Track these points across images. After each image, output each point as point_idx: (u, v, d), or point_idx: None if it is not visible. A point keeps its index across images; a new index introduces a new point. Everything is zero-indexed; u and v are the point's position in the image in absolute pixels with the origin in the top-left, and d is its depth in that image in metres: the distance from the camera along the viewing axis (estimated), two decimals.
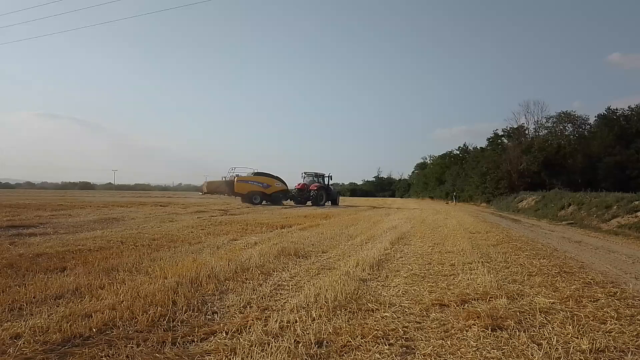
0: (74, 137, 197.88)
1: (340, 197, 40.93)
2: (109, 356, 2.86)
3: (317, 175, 34.81)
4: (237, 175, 31.02)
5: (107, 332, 3.32)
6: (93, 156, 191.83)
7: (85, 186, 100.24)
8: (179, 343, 3.15)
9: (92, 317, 3.58)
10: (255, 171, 32.06)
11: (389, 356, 2.96)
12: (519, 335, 3.41)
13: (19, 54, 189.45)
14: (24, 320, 3.49)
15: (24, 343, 3.00)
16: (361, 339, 3.27)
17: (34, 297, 4.20)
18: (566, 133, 46.94)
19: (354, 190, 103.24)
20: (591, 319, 3.92)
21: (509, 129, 51.13)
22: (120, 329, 3.38)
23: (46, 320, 3.48)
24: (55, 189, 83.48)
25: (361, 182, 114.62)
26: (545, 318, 3.91)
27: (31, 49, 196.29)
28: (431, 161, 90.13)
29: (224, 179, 31.65)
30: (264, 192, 31.06)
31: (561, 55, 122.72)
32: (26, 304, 3.98)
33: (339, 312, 3.95)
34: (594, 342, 3.26)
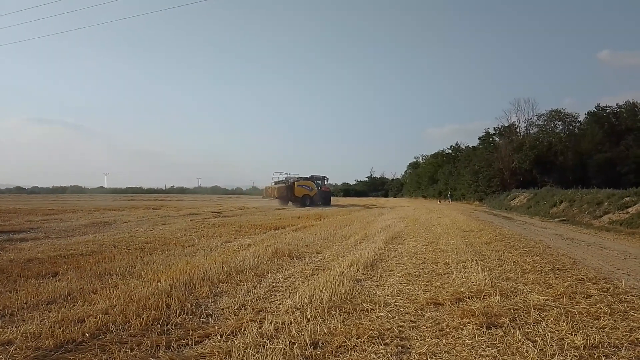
0: (64, 141, 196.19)
1: (334, 198, 42.84)
2: None
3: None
4: (297, 180, 34.15)
5: (101, 336, 3.29)
6: (84, 160, 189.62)
7: (77, 190, 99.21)
8: (173, 346, 3.13)
9: (84, 322, 3.55)
10: (300, 175, 35.28)
11: (384, 356, 2.96)
12: (513, 332, 3.43)
13: (8, 59, 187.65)
14: (15, 326, 3.46)
15: (15, 349, 2.97)
16: (356, 339, 3.26)
17: (25, 303, 4.16)
18: (557, 131, 47.17)
19: (347, 191, 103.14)
20: (585, 315, 3.95)
21: (500, 127, 51.36)
22: (114, 333, 3.35)
23: (38, 325, 3.45)
24: (46, 194, 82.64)
25: (354, 182, 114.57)
26: (540, 315, 3.93)
27: (21, 53, 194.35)
28: (423, 160, 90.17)
29: (274, 184, 34.40)
30: (309, 194, 34.50)
31: (551, 53, 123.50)
32: (18, 310, 3.94)
33: (334, 312, 3.95)
34: (588, 338, 3.28)
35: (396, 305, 4.24)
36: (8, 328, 3.42)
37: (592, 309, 4.13)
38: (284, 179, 34.88)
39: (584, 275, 5.79)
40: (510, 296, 4.61)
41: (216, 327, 3.52)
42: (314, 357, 2.94)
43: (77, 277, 5.34)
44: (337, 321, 3.70)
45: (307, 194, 34.34)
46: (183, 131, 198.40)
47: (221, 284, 5.11)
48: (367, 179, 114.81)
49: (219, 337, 3.30)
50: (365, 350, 3.06)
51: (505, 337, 3.34)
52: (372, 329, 3.47)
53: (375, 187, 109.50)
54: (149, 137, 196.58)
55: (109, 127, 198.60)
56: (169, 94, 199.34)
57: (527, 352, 3.01)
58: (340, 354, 3.01)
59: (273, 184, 34.76)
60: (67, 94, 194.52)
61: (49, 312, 3.90)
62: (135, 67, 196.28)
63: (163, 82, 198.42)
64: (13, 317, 3.78)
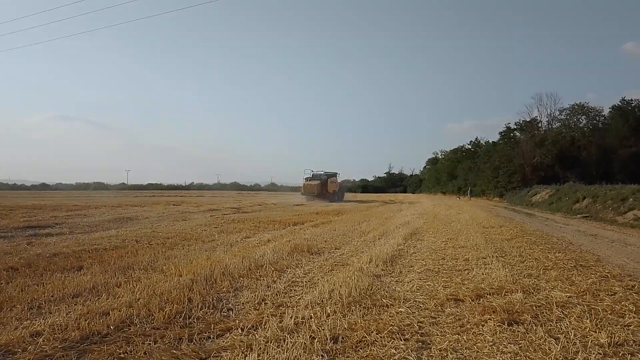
0: (86, 138, 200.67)
1: (352, 194, 44.53)
2: (127, 353, 2.89)
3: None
4: (329, 177, 36.44)
5: (125, 329, 3.36)
6: (106, 156, 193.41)
7: (99, 186, 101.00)
8: (195, 339, 3.17)
9: (109, 314, 3.63)
10: (325, 171, 37.49)
11: (404, 351, 2.96)
12: (535, 329, 3.39)
13: (30, 58, 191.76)
14: (43, 319, 3.55)
15: (43, 341, 3.05)
16: (376, 334, 3.27)
17: (52, 296, 4.26)
18: (580, 125, 46.13)
19: (365, 187, 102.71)
20: (609, 312, 3.88)
21: (521, 122, 50.51)
22: (138, 326, 3.42)
23: (65, 318, 3.54)
24: (69, 190, 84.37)
25: (372, 178, 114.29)
26: (562, 312, 3.88)
27: (42, 52, 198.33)
28: (442, 156, 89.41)
29: (305, 180, 36.37)
30: (336, 190, 36.86)
31: (574, 46, 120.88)
32: (45, 303, 4.04)
33: (354, 307, 3.96)
34: (613, 336, 3.23)
35: (416, 301, 4.23)
36: (36, 320, 3.52)
37: (616, 306, 4.06)
38: (310, 175, 36.95)
39: (607, 273, 5.69)
40: (532, 293, 4.56)
41: (237, 321, 3.56)
42: (334, 351, 2.96)
43: (101, 271, 5.45)
44: (357, 316, 3.70)
45: (335, 189, 36.39)
46: (203, 128, 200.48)
47: (241, 278, 5.16)
48: (385, 174, 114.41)
49: (240, 331, 3.34)
50: (386, 346, 3.06)
51: (527, 334, 3.31)
52: (392, 325, 3.47)
53: (394, 183, 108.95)
54: (169, 134, 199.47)
55: (130, 125, 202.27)
56: (189, 92, 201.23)
57: (549, 350, 2.98)
58: (361, 348, 3.02)
59: (305, 180, 36.21)
60: (89, 92, 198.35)
61: (75, 305, 3.99)
62: (157, 66, 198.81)
63: (184, 80, 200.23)
64: (41, 309, 3.88)
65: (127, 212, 17.08)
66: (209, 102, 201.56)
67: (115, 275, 5.23)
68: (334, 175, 38.09)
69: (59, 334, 3.20)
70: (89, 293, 4.41)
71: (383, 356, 2.89)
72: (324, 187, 35.24)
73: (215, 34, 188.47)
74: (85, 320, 3.45)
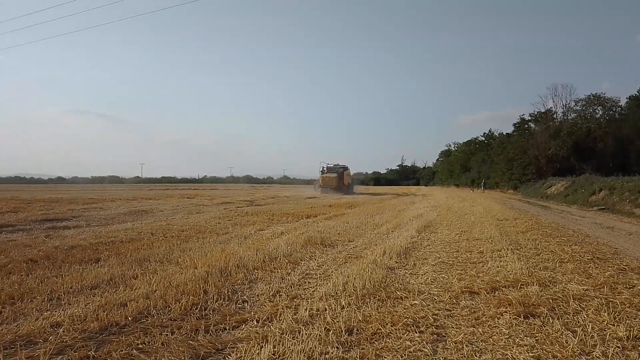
0: (101, 132, 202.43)
1: (364, 186, 46.54)
2: (144, 344, 2.94)
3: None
4: (344, 170, 37.20)
5: (142, 320, 3.41)
6: (121, 150, 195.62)
7: (115, 180, 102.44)
8: (211, 331, 3.21)
9: (127, 306, 3.68)
10: (340, 164, 39.03)
11: (419, 343, 2.96)
12: (552, 322, 3.36)
13: (44, 52, 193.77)
14: (62, 310, 3.62)
15: (63, 331, 3.11)
16: (391, 326, 3.27)
17: (71, 287, 4.34)
18: (596, 116, 45.30)
19: (378, 179, 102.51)
20: (627, 305, 3.83)
21: (536, 113, 49.78)
22: (155, 317, 3.47)
23: (83, 309, 3.60)
24: (85, 183, 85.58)
25: (385, 171, 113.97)
26: (579, 305, 3.84)
27: (56, 46, 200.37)
28: (455, 148, 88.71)
29: (324, 172, 37.64)
30: (351, 183, 38.74)
31: (589, 36, 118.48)
32: (64, 294, 4.12)
33: (368, 300, 3.96)
34: (631, 329, 3.19)
35: (430, 294, 4.22)
36: (56, 311, 3.59)
37: (635, 299, 4.00)
38: (324, 168, 38.32)
39: (625, 265, 5.61)
40: (548, 286, 4.52)
41: (252, 313, 3.59)
42: (349, 343, 2.97)
43: (118, 263, 5.53)
44: (372, 308, 3.71)
45: (349, 182, 38.06)
46: (215, 121, 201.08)
47: (256, 270, 5.19)
48: (398, 167, 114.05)
49: (255, 323, 3.37)
50: (400, 338, 3.06)
51: (544, 326, 3.28)
52: (406, 317, 3.47)
53: (407, 175, 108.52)
54: (182, 128, 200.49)
55: (144, 119, 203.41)
56: (202, 86, 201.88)
57: (566, 342, 2.95)
58: (376, 340, 3.03)
59: (322, 173, 37.34)
60: (103, 86, 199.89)
61: (93, 296, 4.06)
62: (171, 60, 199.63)
63: (197, 73, 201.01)
64: (60, 300, 3.95)
65: (142, 205, 17.27)
66: (222, 96, 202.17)
67: (132, 267, 5.31)
68: (347, 168, 39.23)
69: (78, 324, 3.26)
70: (106, 285, 4.48)
71: (398, 348, 2.89)
72: (341, 180, 36.37)
73: (227, 27, 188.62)
74: (104, 312, 3.51)
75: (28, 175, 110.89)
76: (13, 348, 2.84)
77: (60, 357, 2.70)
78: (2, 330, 3.15)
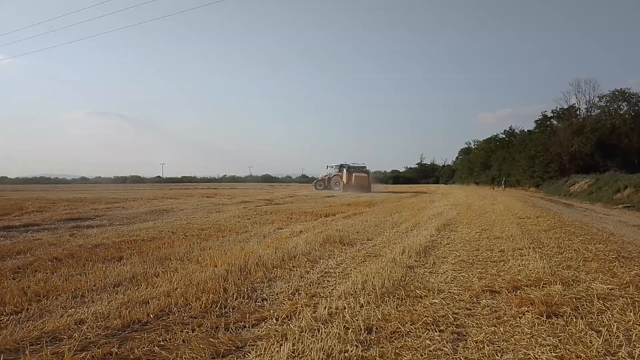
0: (123, 133, 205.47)
1: (383, 185, 51.87)
2: (166, 341, 2.97)
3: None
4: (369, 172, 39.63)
5: (164, 317, 3.45)
6: (142, 151, 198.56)
7: (136, 180, 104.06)
8: (231, 328, 3.23)
9: (148, 303, 3.73)
10: (355, 164, 40.16)
11: (440, 342, 2.93)
12: (576, 322, 3.29)
13: (66, 55, 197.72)
14: (86, 307, 3.69)
15: (87, 328, 3.17)
16: (411, 325, 3.25)
17: (94, 285, 4.42)
18: (621, 112, 44.19)
19: (397, 178, 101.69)
20: None
21: (558, 109, 48.95)
22: (176, 315, 3.51)
23: (107, 306, 3.67)
24: (108, 183, 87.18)
25: (404, 169, 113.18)
26: (604, 304, 3.76)
27: (77, 49, 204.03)
28: (475, 146, 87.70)
29: (353, 171, 38.68)
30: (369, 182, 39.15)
31: (613, 30, 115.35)
32: (87, 292, 4.20)
33: (387, 298, 3.94)
34: None
35: (450, 292, 4.18)
36: (80, 308, 3.67)
37: None
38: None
39: None
40: (572, 285, 4.43)
41: (272, 311, 3.60)
42: (368, 342, 2.96)
43: (140, 261, 5.62)
44: (391, 307, 3.69)
45: (370, 181, 38.94)
46: (234, 121, 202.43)
47: (275, 269, 5.22)
48: (416, 165, 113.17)
49: (274, 321, 3.38)
50: (420, 337, 3.04)
51: (567, 326, 3.22)
52: (426, 316, 3.44)
53: (426, 173, 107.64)
54: (202, 127, 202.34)
55: (165, 119, 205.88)
56: (220, 86, 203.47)
57: (590, 342, 2.89)
58: (395, 339, 3.01)
59: (350, 172, 38.37)
60: (124, 88, 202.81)
61: (116, 294, 4.13)
62: (190, 61, 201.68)
63: (215, 74, 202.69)
64: (84, 298, 4.03)
65: (163, 204, 17.51)
66: (240, 96, 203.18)
67: (154, 265, 5.39)
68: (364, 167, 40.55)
69: (102, 321, 3.32)
70: (129, 282, 4.55)
71: (418, 347, 2.87)
72: (368, 179, 38.07)
73: (243, 28, 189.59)
74: (126, 309, 3.57)
75: (53, 175, 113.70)
76: (39, 344, 2.91)
77: (84, 353, 2.75)
78: (28, 326, 3.23)
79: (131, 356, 2.75)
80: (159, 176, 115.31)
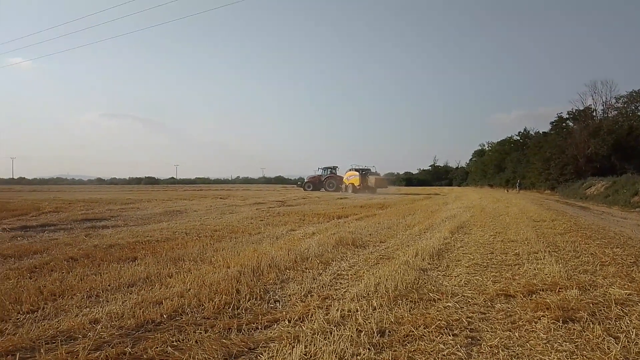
0: (137, 134, 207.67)
1: (396, 187, 53.29)
2: (179, 341, 2.99)
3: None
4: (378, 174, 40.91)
5: (177, 318, 3.48)
6: (156, 152, 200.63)
7: (150, 181, 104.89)
8: (244, 330, 3.24)
9: (162, 304, 3.76)
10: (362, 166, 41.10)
11: (453, 347, 2.90)
12: (592, 327, 3.24)
13: (82, 58, 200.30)
14: (101, 307, 3.74)
15: (102, 327, 3.20)
16: (424, 328, 3.22)
17: (109, 285, 4.47)
18: (639, 113, 43.42)
19: (410, 180, 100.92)
20: None
21: (574, 111, 48.15)
22: (189, 315, 3.53)
23: (121, 306, 3.70)
24: (123, 184, 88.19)
25: (417, 172, 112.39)
26: (622, 310, 3.69)
27: (93, 52, 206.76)
28: (489, 148, 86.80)
29: (373, 174, 40.05)
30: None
31: (630, 30, 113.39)
32: (102, 292, 4.25)
33: (400, 301, 3.92)
34: None
35: (464, 296, 4.14)
36: (94, 308, 3.71)
37: None
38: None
39: None
40: (589, 290, 4.36)
41: (284, 313, 3.61)
42: (381, 345, 2.94)
43: (154, 262, 5.67)
44: (404, 310, 3.66)
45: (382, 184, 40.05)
46: (247, 123, 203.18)
47: (287, 271, 5.22)
48: (430, 167, 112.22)
49: (287, 323, 3.38)
50: (434, 341, 3.01)
51: (584, 332, 3.17)
52: (439, 319, 3.41)
53: (439, 176, 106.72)
54: (215, 129, 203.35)
55: (178, 121, 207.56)
56: (233, 88, 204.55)
57: (608, 349, 2.84)
58: (408, 343, 2.99)
59: (370, 174, 39.43)
60: (139, 90, 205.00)
61: (130, 294, 4.17)
62: (201, 64, 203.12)
63: (227, 76, 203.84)
64: (98, 298, 4.08)
65: (177, 205, 17.64)
66: (252, 98, 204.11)
67: (167, 266, 5.43)
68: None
69: (116, 321, 3.35)
70: (143, 283, 4.59)
71: (431, 351, 2.84)
72: (381, 181, 39.58)
73: (253, 31, 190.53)
74: (140, 309, 3.60)
75: (69, 176, 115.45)
76: (54, 343, 2.95)
77: (98, 352, 2.78)
78: (44, 325, 3.27)
79: (144, 356, 2.77)
80: (173, 177, 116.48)
